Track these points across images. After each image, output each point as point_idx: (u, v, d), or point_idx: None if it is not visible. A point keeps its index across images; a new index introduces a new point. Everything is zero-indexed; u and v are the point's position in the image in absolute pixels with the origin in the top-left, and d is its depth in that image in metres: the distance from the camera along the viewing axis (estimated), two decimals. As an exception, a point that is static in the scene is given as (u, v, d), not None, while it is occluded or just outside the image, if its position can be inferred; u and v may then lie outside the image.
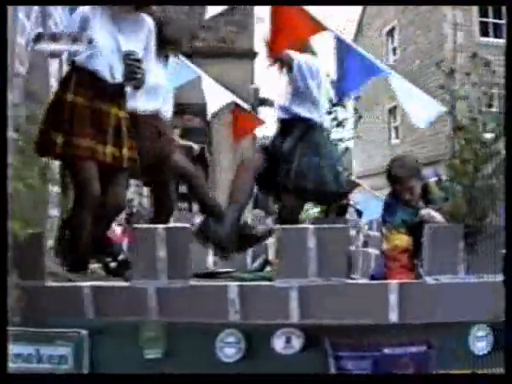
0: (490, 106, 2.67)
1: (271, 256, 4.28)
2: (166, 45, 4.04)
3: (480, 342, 2.85)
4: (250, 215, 6.94)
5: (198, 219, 8.73)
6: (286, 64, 4.46)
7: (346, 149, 3.52)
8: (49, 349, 2.67)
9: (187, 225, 2.92)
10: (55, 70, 4.77)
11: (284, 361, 2.70)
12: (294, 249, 2.79)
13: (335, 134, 3.66)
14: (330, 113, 3.89)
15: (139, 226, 2.76)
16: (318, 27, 4.48)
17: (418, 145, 20.33)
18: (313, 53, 4.54)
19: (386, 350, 2.79)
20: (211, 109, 6.45)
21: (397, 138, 23.16)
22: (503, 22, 16.62)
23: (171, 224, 3.40)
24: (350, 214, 6.18)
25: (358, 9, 25.89)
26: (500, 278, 2.92)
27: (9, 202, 2.43)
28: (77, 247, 3.42)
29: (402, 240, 3.61)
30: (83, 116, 3.38)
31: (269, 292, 2.80)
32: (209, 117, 6.59)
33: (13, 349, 2.57)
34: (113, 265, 3.81)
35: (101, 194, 3.39)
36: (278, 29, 4.62)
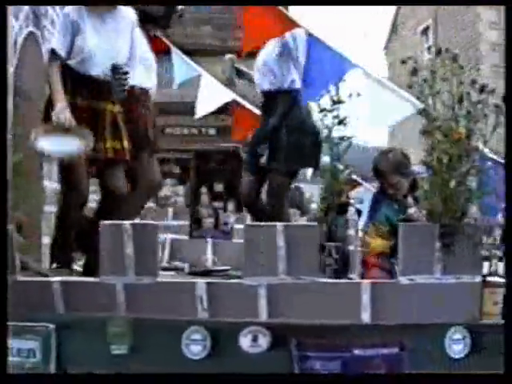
0: (461, 101, 2.59)
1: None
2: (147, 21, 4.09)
3: (456, 345, 2.76)
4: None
5: (232, 218, 8.73)
6: None
7: (349, 146, 3.46)
8: (18, 342, 2.70)
9: (153, 222, 2.91)
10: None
11: (251, 359, 2.67)
12: (263, 247, 2.75)
13: (337, 131, 3.59)
14: (331, 111, 3.79)
15: (106, 222, 2.75)
16: (291, 25, 4.43)
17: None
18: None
19: (357, 351, 2.73)
20: (202, 110, 6.43)
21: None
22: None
23: (137, 220, 3.40)
24: (351, 214, 6.07)
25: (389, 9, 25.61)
26: (478, 278, 2.84)
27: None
28: (64, 245, 3.49)
29: (377, 244, 3.55)
30: (82, 116, 3.45)
31: (237, 290, 2.77)
32: (196, 116, 6.56)
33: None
34: None
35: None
36: (250, 28, 4.62)
